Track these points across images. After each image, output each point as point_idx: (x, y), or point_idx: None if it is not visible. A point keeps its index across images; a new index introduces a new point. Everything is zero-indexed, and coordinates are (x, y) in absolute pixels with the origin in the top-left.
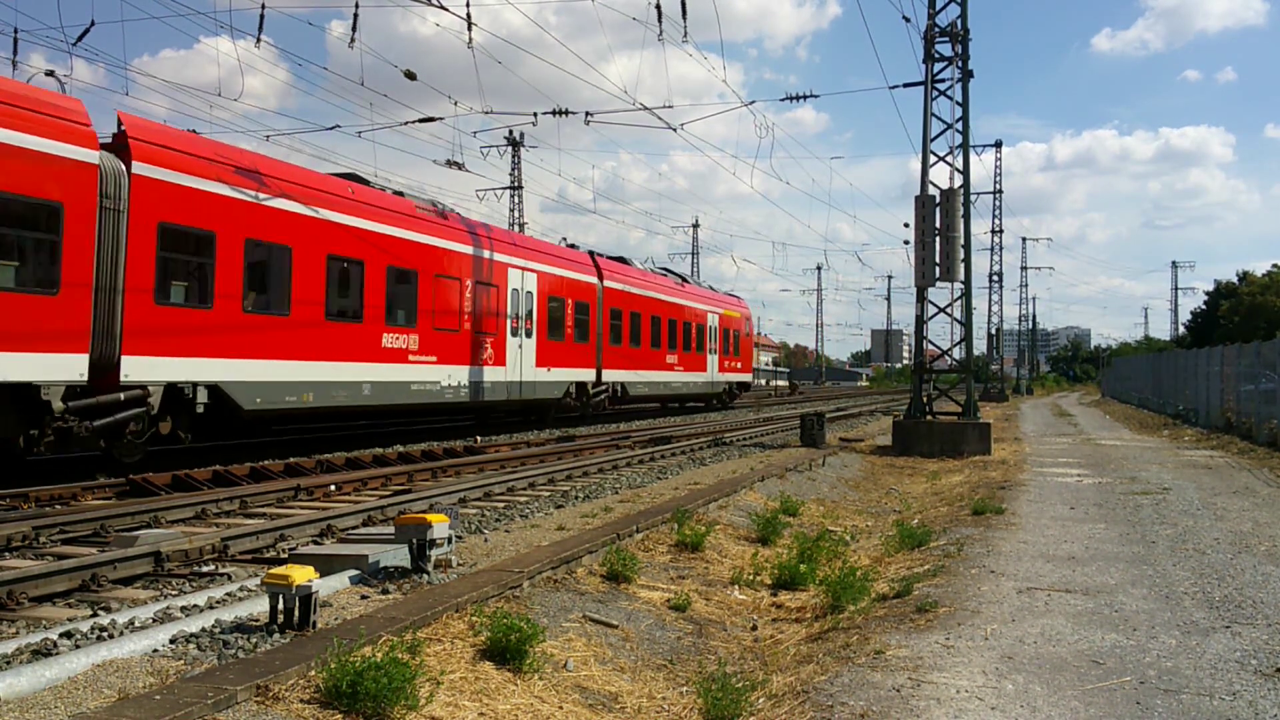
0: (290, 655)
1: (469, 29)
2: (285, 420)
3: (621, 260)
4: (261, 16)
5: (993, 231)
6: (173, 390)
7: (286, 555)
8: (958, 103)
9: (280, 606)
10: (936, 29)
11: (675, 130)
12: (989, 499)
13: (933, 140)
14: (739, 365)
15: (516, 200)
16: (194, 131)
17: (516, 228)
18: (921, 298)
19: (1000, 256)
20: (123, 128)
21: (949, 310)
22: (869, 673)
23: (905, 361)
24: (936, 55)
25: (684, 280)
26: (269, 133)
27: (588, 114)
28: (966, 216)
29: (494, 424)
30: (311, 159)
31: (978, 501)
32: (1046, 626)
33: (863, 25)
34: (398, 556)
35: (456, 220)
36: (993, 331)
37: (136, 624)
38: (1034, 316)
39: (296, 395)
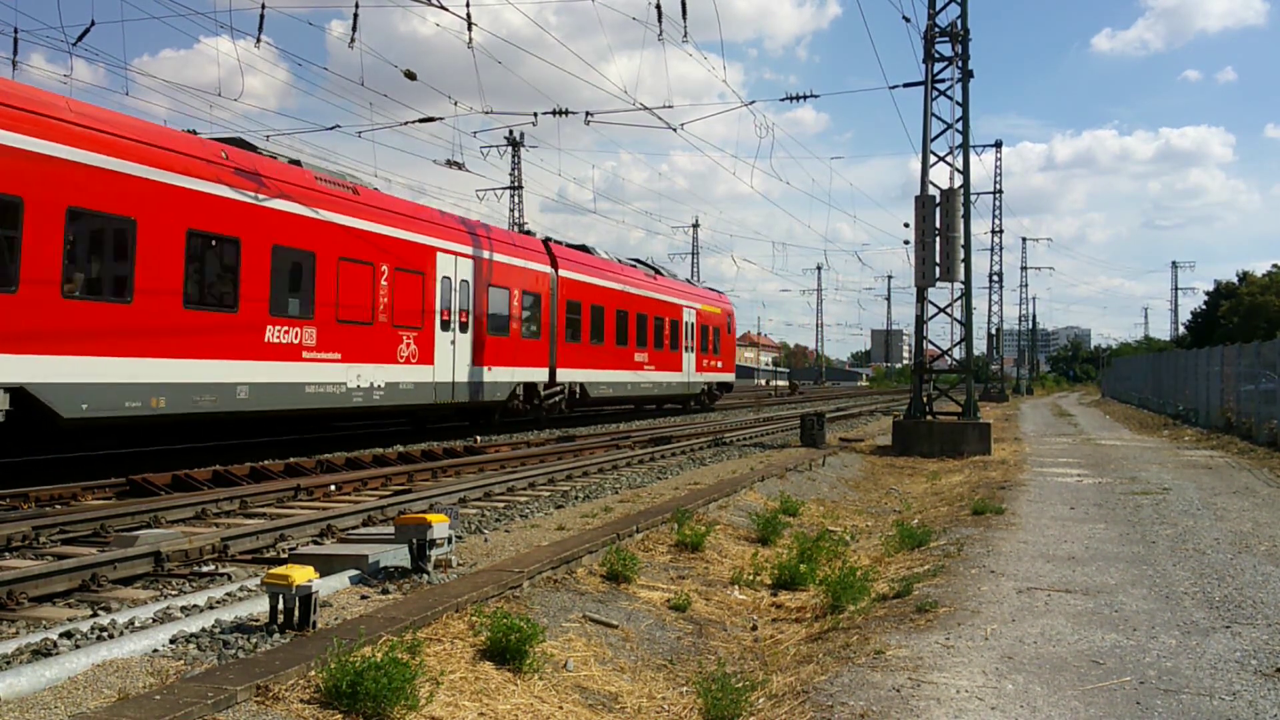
0: (290, 655)
1: (469, 29)
2: (129, 430)
3: (583, 249)
4: (261, 16)
5: (993, 231)
6: None
7: (286, 555)
8: (958, 103)
9: (280, 606)
10: (936, 29)
11: (675, 130)
12: (989, 499)
13: (933, 140)
14: (719, 364)
15: (516, 200)
16: (193, 132)
17: (516, 228)
18: (921, 298)
19: (1000, 256)
20: None
21: (949, 310)
22: (869, 673)
23: (905, 361)
24: (936, 55)
25: (657, 272)
26: (269, 132)
27: (588, 114)
28: (966, 216)
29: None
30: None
31: (978, 501)
32: (1046, 626)
33: (863, 25)
34: (398, 556)
35: (372, 197)
36: (993, 331)
37: (136, 624)
38: (1034, 316)
39: (142, 400)
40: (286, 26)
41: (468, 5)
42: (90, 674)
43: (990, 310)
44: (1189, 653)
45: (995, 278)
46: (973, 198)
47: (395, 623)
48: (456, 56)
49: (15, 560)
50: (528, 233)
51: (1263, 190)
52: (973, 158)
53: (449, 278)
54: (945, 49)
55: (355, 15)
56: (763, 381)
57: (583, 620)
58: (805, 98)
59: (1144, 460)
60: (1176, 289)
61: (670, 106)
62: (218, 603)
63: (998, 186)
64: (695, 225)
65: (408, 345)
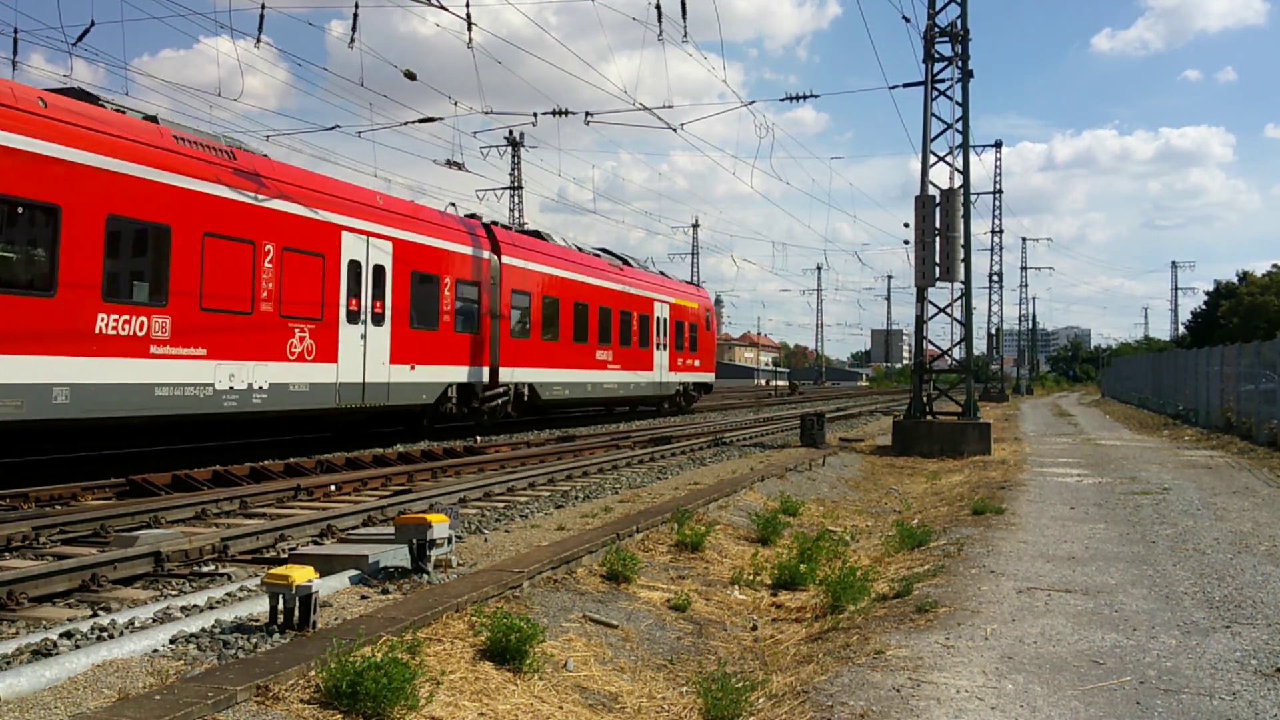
0: (290, 655)
1: (469, 29)
2: None
3: (536, 235)
4: (261, 16)
5: (993, 231)
6: None
7: (286, 555)
8: (958, 103)
9: (280, 606)
10: (936, 29)
11: (675, 130)
12: (989, 499)
13: (933, 140)
14: (696, 363)
15: (516, 200)
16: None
17: (517, 228)
18: (921, 298)
19: (1000, 256)
20: None
21: (949, 310)
22: (869, 673)
23: (905, 361)
24: (936, 55)
25: (625, 263)
26: (269, 133)
27: (588, 114)
28: (966, 216)
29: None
30: (311, 159)
31: (978, 501)
32: (1046, 626)
33: (863, 25)
34: (398, 557)
35: (258, 164)
36: (993, 331)
37: (136, 624)
38: (1034, 316)
39: None
40: (286, 26)
41: (468, 5)
42: (90, 674)
43: (990, 310)
44: (1189, 653)
45: (995, 278)
46: (973, 198)
47: (395, 623)
48: (456, 56)
49: (15, 560)
50: (475, 216)
51: (1263, 190)
52: (973, 158)
53: (358, 262)
54: (945, 49)
55: (355, 15)
56: (763, 381)
57: (583, 620)
58: (805, 98)
59: (1144, 460)
60: (1176, 289)
61: (670, 106)
62: (218, 603)
63: (998, 186)
64: (695, 225)
65: (301, 340)
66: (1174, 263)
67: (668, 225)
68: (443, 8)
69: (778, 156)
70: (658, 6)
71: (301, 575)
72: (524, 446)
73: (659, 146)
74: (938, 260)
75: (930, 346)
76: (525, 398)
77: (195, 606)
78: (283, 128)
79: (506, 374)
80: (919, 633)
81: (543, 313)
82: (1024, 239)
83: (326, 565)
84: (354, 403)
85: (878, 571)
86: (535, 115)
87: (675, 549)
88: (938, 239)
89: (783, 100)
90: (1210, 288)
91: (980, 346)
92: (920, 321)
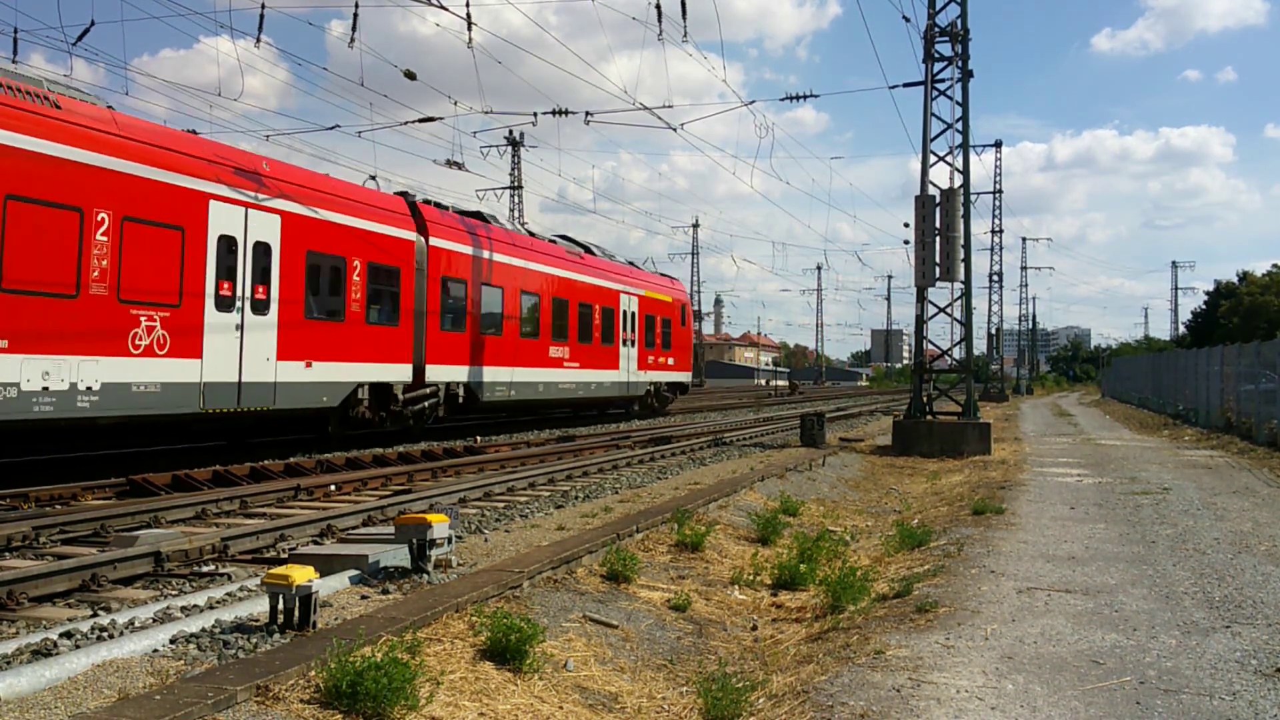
0: (290, 655)
1: (469, 29)
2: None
3: (478, 216)
4: (261, 16)
5: (993, 231)
6: None
7: (286, 555)
8: (958, 103)
9: (280, 606)
10: (936, 29)
11: (675, 130)
12: (989, 499)
13: (933, 140)
14: (671, 361)
15: (516, 200)
16: (193, 132)
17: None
18: (921, 298)
19: (1000, 256)
20: None
21: (949, 310)
22: (869, 673)
23: (905, 361)
24: (936, 55)
25: (587, 250)
26: (269, 133)
27: (588, 114)
28: (966, 216)
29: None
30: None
31: (978, 501)
32: (1046, 626)
33: (863, 25)
34: (398, 556)
35: (89, 114)
36: (993, 331)
37: (136, 624)
38: (1034, 316)
39: None
40: (286, 26)
41: (468, 5)
42: (90, 674)
43: (990, 310)
44: (1189, 653)
45: (995, 278)
46: (973, 198)
47: (395, 623)
48: (456, 56)
49: (15, 560)
50: (405, 194)
51: (1263, 190)
52: (973, 158)
53: (231, 238)
54: (945, 49)
55: (355, 15)
56: (763, 381)
57: (583, 620)
58: (805, 98)
59: (1144, 460)
60: (1176, 289)
61: (670, 106)
62: (218, 603)
63: (998, 186)
64: (695, 225)
65: (150, 330)
66: (1174, 263)
67: (668, 225)
68: (443, 8)
69: (778, 156)
70: (658, 6)
71: (301, 575)
72: (524, 446)
73: (659, 146)
74: (938, 260)
75: (930, 346)
76: (460, 399)
77: (195, 606)
78: (283, 128)
79: (435, 372)
80: (919, 633)
81: (482, 304)
82: (1024, 239)
83: (326, 565)
84: (225, 406)
85: (878, 571)
86: (535, 115)
87: (675, 549)
88: (938, 239)
89: (783, 100)
90: (1210, 288)
91: (980, 346)
92: (920, 321)
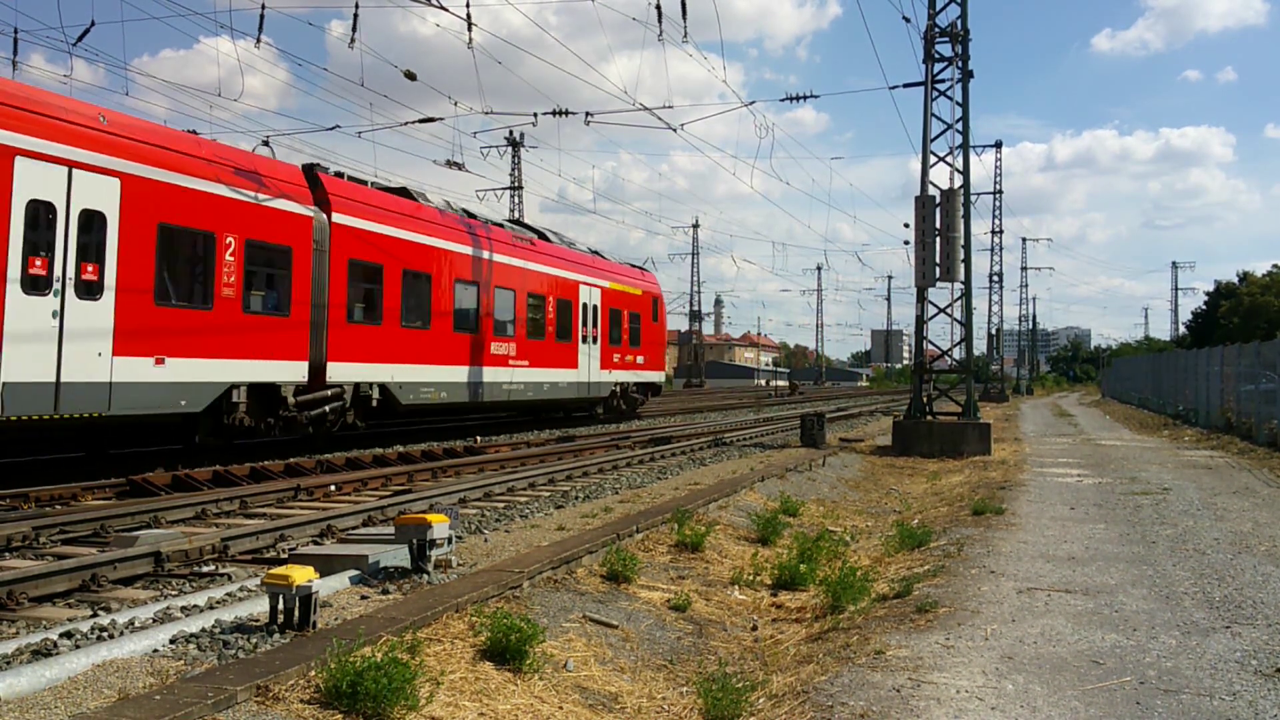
0: (290, 655)
1: (469, 29)
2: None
3: (404, 193)
4: (261, 16)
5: (993, 232)
6: None
7: (286, 555)
8: (958, 103)
9: (280, 607)
10: (936, 29)
11: (675, 130)
12: (989, 499)
13: (933, 140)
14: (640, 359)
15: (516, 200)
16: (194, 132)
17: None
18: (921, 298)
19: (1000, 257)
20: None
21: (949, 310)
22: (869, 673)
23: (905, 362)
24: (936, 55)
25: (541, 236)
26: (269, 133)
27: (588, 114)
28: (966, 217)
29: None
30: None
31: (978, 502)
32: (1046, 626)
33: (863, 25)
34: (398, 557)
35: None
36: (993, 332)
37: (136, 624)
38: (1034, 316)
39: None
40: (286, 26)
41: (468, 5)
42: (90, 674)
43: (990, 310)
44: (1189, 653)
45: (995, 278)
46: (973, 198)
47: (395, 623)
48: (456, 56)
49: (15, 560)
50: (311, 166)
51: (1263, 190)
52: (973, 158)
53: (49, 204)
54: (945, 49)
55: (355, 15)
56: (763, 382)
57: (583, 620)
58: (805, 98)
59: (1144, 460)
60: (1176, 289)
61: (670, 107)
62: (218, 603)
63: (998, 186)
64: (695, 225)
65: None
66: (1174, 263)
67: (668, 225)
68: (443, 8)
69: (778, 156)
70: (658, 6)
71: (301, 575)
72: (524, 446)
73: (659, 146)
74: (938, 260)
75: (930, 347)
76: (375, 402)
77: (195, 606)
78: (283, 128)
79: (340, 371)
80: (919, 633)
81: (403, 291)
82: (1024, 239)
83: (326, 565)
84: (36, 412)
85: (878, 572)
86: (535, 115)
87: (675, 549)
88: (938, 239)
89: (783, 100)
90: (1210, 288)
91: (980, 347)
92: (920, 322)
